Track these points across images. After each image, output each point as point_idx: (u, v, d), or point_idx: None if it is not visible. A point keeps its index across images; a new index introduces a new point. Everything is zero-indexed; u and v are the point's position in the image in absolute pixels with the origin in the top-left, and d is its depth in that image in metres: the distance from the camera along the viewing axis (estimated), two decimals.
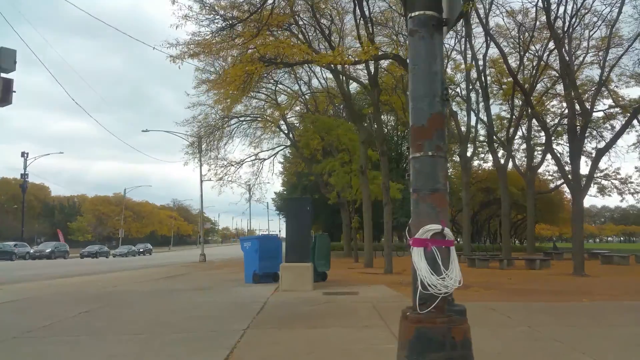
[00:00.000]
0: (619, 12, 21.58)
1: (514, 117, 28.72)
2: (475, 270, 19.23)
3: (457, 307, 3.40)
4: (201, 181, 35.64)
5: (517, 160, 34.98)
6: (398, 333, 3.47)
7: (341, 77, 23.08)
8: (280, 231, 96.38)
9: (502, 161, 27.64)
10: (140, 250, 57.41)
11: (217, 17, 18.01)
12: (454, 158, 37.38)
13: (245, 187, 38.43)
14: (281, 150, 38.62)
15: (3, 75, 12.78)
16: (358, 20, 18.05)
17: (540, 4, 21.05)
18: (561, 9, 21.13)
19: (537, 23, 23.15)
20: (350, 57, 12.80)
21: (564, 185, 37.97)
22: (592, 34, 25.56)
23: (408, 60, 3.73)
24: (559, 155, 36.23)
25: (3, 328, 6.67)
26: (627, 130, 29.34)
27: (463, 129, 29.49)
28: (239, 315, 7.68)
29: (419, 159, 3.50)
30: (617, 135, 20.12)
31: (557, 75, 27.15)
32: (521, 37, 25.07)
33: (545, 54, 26.21)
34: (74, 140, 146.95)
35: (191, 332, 6.29)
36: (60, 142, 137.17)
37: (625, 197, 35.63)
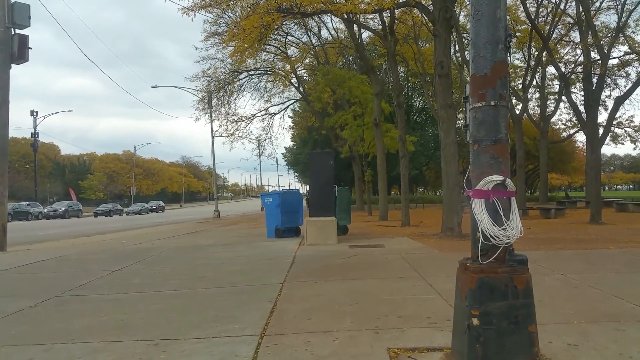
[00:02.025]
0: None
1: (530, 65, 28.01)
2: None
3: (518, 256, 3.39)
4: (212, 137, 35.60)
5: (529, 110, 34.45)
6: (456, 283, 3.49)
7: (354, 27, 22.47)
8: (289, 185, 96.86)
9: (517, 111, 27.20)
10: (153, 207, 58.03)
11: None
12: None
13: (255, 142, 38.46)
14: (291, 104, 38.30)
15: (18, 31, 12.60)
16: None
17: None
18: None
19: None
20: (369, 5, 12.37)
21: (576, 134, 37.76)
22: None
23: (470, 5, 3.56)
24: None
25: (43, 288, 6.80)
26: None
27: None
28: (271, 268, 7.79)
29: (481, 108, 3.40)
30: (637, 83, 19.62)
31: (573, 21, 26.30)
32: None
33: (561, 0, 25.25)
34: (79, 97, 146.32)
35: (231, 286, 6.40)
36: (65, 99, 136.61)
37: (638, 144, 35.25)
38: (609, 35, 25.64)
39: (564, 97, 30.40)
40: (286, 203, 13.02)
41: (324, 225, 10.75)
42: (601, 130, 18.83)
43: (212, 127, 34.68)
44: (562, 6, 25.41)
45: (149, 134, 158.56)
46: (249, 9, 15.91)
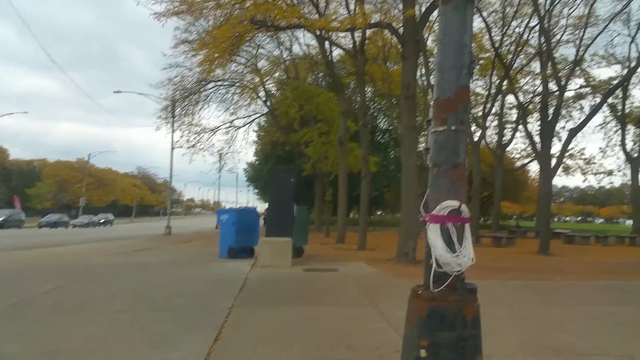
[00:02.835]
0: None
1: (491, 93, 28.82)
2: None
3: (468, 285, 3.28)
4: (172, 148, 34.53)
5: (487, 138, 35.41)
6: (407, 311, 3.34)
7: (326, 44, 22.49)
8: (248, 203, 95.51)
9: (476, 138, 27.86)
10: (101, 220, 55.72)
11: None
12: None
13: (217, 155, 37.67)
14: (257, 118, 37.85)
15: None
16: None
17: None
18: None
19: None
20: (342, 23, 12.39)
21: (530, 164, 39.04)
22: (571, 12, 25.76)
23: (438, 30, 3.49)
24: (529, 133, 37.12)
25: None
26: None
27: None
28: (220, 292, 7.45)
29: (443, 132, 3.30)
30: (590, 116, 20.51)
31: (535, 51, 27.33)
32: (504, 11, 25.01)
33: (525, 31, 26.26)
34: (37, 99, 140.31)
35: (175, 310, 6.04)
36: (22, 100, 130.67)
37: (587, 177, 36.72)
38: (567, 67, 26.80)
39: (520, 126, 31.50)
40: (242, 222, 12.64)
41: (280, 246, 10.47)
42: (554, 161, 19.44)
43: (172, 137, 33.62)
44: (525, 36, 26.41)
45: (106, 141, 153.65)
46: (222, 18, 15.67)
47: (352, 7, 17.62)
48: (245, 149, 64.96)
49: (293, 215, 11.05)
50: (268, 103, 33.48)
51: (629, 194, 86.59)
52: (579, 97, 31.02)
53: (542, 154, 18.22)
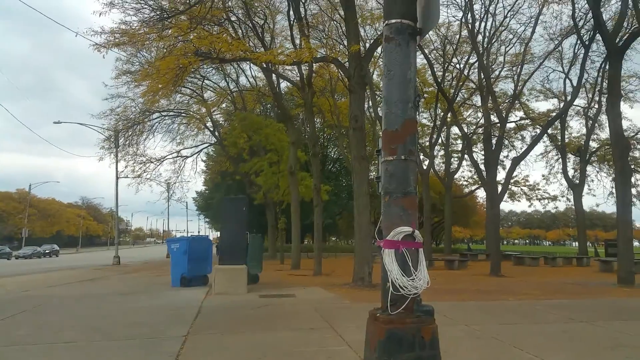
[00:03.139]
0: (533, 32, 23.51)
1: (436, 124, 29.98)
2: None
3: (425, 307, 3.47)
4: (117, 178, 33.67)
5: (435, 166, 36.60)
6: (366, 334, 3.48)
7: (273, 77, 22.88)
8: (199, 231, 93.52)
9: (425, 167, 28.76)
10: (47, 251, 53.20)
11: (146, 6, 17.29)
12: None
13: (164, 185, 37.09)
14: (205, 148, 37.67)
15: None
16: (292, 21, 18.07)
17: (464, 19, 22.39)
18: (482, 24, 22.59)
19: (460, 37, 24.45)
20: (288, 57, 12.69)
21: (477, 190, 40.56)
22: (508, 50, 27.42)
23: (382, 66, 3.76)
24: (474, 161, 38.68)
25: None
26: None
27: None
28: (175, 320, 7.34)
29: (392, 162, 3.53)
30: (531, 146, 21.72)
31: (475, 87, 28.81)
32: (445, 49, 26.31)
33: (465, 67, 27.66)
34: None
35: (129, 339, 5.92)
36: None
37: (533, 202, 38.43)
38: (507, 101, 28.36)
39: (466, 156, 32.79)
40: (194, 250, 12.48)
41: (234, 273, 10.41)
42: (500, 188, 20.33)
43: (117, 168, 32.76)
44: (465, 72, 27.78)
45: (47, 172, 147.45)
46: (164, 50, 15.72)
47: (297, 41, 18.11)
48: (194, 178, 64.15)
49: (246, 243, 11.06)
50: (216, 133, 33.41)
51: (573, 217, 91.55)
52: (520, 128, 32.83)
53: (488, 182, 19.05)
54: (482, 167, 36.78)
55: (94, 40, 16.85)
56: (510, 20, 24.71)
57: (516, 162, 20.96)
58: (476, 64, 25.55)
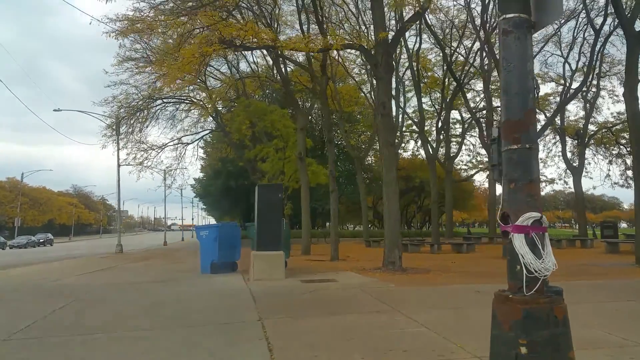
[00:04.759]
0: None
1: (443, 107, 30.14)
2: (413, 255, 20.07)
3: (554, 288, 3.65)
4: (118, 166, 33.45)
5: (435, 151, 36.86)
6: (498, 315, 3.65)
7: (281, 63, 22.81)
8: (193, 219, 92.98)
9: (431, 151, 28.98)
10: (41, 240, 52.72)
11: None
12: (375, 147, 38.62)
13: (164, 173, 36.97)
14: (206, 134, 37.54)
15: None
16: (301, 8, 17.98)
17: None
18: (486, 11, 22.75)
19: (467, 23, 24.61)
20: (315, 44, 12.70)
21: (477, 174, 41.06)
22: None
23: (501, 59, 3.88)
24: (472, 145, 39.14)
25: None
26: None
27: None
28: (235, 305, 7.49)
29: (517, 150, 3.67)
30: (544, 128, 21.92)
31: (477, 71, 28.98)
32: (451, 32, 26.44)
33: (470, 52, 27.81)
34: None
35: (205, 325, 6.05)
36: None
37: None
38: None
39: (467, 139, 33.17)
40: (224, 237, 12.59)
41: (272, 259, 10.55)
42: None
43: (118, 155, 32.58)
44: (474, 57, 27.89)
45: (36, 161, 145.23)
46: (184, 37, 15.60)
47: (305, 28, 18.12)
48: (193, 164, 63.38)
49: (282, 230, 11.18)
50: (218, 119, 33.27)
51: (563, 200, 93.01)
52: None
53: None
54: (482, 150, 37.48)
55: (109, 27, 16.75)
56: None
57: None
58: (477, 49, 25.87)
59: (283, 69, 23.80)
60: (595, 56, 25.14)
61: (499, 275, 11.56)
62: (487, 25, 22.86)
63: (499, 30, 3.95)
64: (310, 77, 22.76)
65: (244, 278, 11.04)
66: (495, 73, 31.12)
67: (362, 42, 13.78)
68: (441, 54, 26.10)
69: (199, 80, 30.52)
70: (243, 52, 22.01)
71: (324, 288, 9.13)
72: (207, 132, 36.97)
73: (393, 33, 15.45)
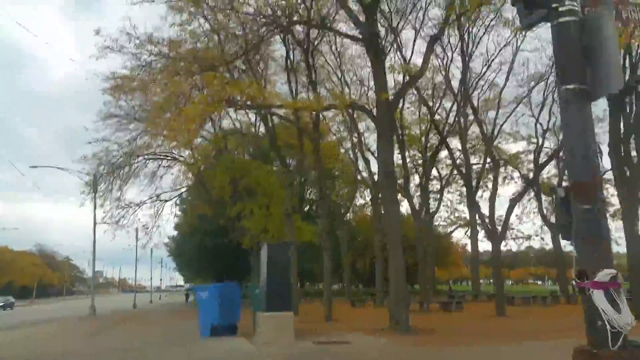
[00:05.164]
0: (506, 80, 25.22)
1: (425, 161, 30.81)
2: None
3: (633, 342, 3.76)
4: (94, 224, 32.51)
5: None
6: None
7: (269, 121, 23.16)
8: (161, 280, 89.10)
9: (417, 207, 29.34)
10: (1, 304, 49.66)
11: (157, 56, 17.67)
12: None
13: (139, 231, 36.10)
14: (185, 191, 37.08)
15: None
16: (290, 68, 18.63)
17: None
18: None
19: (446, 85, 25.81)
20: (320, 104, 13.07)
21: (456, 230, 41.48)
22: (481, 96, 28.77)
23: (562, 124, 4.17)
24: (449, 202, 39.81)
25: None
26: (507, 181, 33.92)
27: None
28: None
29: (589, 210, 3.87)
30: (527, 187, 22.58)
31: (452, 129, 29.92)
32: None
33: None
34: None
35: None
36: None
37: (508, 242, 39.48)
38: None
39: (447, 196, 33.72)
40: (224, 298, 12.25)
41: (282, 321, 10.27)
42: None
43: (94, 214, 31.71)
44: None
45: None
46: (182, 96, 15.86)
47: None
48: (169, 222, 61.07)
49: (291, 290, 11.01)
50: (199, 176, 33.07)
51: (533, 256, 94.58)
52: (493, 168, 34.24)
53: (490, 221, 19.61)
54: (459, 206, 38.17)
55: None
56: (486, 70, 26.46)
57: (514, 202, 21.88)
58: (454, 109, 27.00)
59: (272, 127, 24.10)
60: None
61: (517, 335, 11.28)
62: (463, 87, 24.00)
63: (560, 99, 4.29)
64: (298, 134, 23.07)
65: (250, 341, 10.69)
66: (470, 131, 32.53)
67: (346, 102, 14.12)
68: (421, 111, 27.04)
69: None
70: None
71: (346, 352, 8.92)
72: (186, 189, 36.59)
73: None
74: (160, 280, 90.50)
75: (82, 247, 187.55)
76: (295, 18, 16.28)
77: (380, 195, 13.50)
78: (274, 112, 20.52)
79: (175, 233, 48.26)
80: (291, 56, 21.40)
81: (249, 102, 13.17)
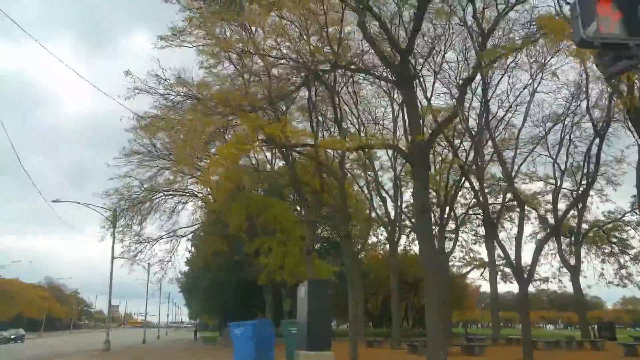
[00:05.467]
0: (524, 121, 25.59)
1: (440, 203, 30.85)
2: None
3: None
4: (112, 258, 32.74)
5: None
6: None
7: (290, 159, 23.43)
8: (168, 315, 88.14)
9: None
10: (12, 336, 49.44)
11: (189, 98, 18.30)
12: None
13: (151, 266, 36.26)
14: (199, 226, 37.33)
15: None
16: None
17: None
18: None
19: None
20: (353, 143, 13.37)
21: (472, 271, 41.03)
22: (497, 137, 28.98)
23: None
24: (464, 242, 39.60)
25: None
26: (525, 221, 33.73)
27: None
28: None
29: None
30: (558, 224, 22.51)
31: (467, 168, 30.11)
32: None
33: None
34: None
35: None
36: None
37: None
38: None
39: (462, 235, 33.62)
40: (260, 336, 12.20)
41: None
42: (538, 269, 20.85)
43: (113, 248, 32.02)
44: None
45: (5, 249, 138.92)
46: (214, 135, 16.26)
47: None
48: (183, 258, 60.83)
49: (331, 328, 10.96)
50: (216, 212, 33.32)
51: (545, 299, 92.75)
52: (509, 209, 34.17)
53: (517, 263, 19.41)
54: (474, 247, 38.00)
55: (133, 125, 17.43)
56: (505, 113, 26.92)
57: (541, 243, 21.77)
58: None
59: (293, 166, 24.36)
60: (584, 158, 26.79)
61: None
62: (484, 127, 24.31)
63: None
64: (318, 172, 23.25)
65: None
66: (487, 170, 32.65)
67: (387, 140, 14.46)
68: (442, 151, 27.35)
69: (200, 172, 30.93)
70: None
71: None
72: (200, 225, 36.82)
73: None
74: (167, 316, 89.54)
75: (90, 279, 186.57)
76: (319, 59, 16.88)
77: (415, 233, 13.48)
78: (299, 150, 20.90)
79: (186, 269, 48.21)
80: (313, 96, 21.98)
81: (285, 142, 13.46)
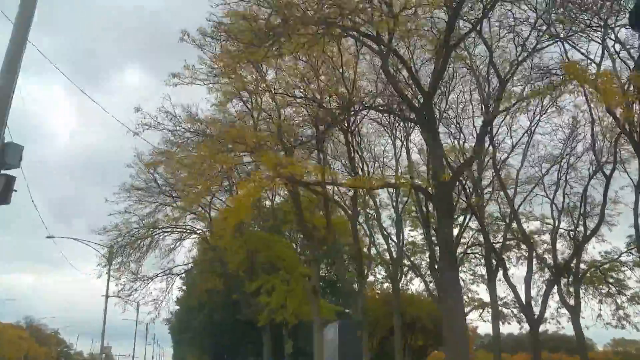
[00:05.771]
0: (522, 162, 26.04)
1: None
2: None
3: None
4: (106, 297, 32.10)
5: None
6: None
7: (300, 196, 23.40)
8: (153, 357, 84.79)
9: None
10: None
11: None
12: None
13: (152, 304, 35.38)
14: (194, 264, 36.76)
15: (4, 171, 11.38)
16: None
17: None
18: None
19: None
20: (378, 182, 13.50)
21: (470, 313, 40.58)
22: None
23: None
24: (462, 281, 39.37)
25: None
26: (521, 261, 33.88)
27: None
28: None
29: None
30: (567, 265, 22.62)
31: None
32: None
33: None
34: None
35: None
36: None
37: (523, 324, 38.42)
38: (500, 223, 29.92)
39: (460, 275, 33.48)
40: None
41: None
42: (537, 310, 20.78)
43: (107, 286, 31.48)
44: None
45: None
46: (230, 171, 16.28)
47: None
48: (172, 297, 58.36)
49: None
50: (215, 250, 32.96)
51: (539, 339, 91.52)
52: (507, 248, 34.25)
53: (527, 304, 19.42)
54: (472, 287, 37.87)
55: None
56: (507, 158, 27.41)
57: (552, 283, 21.79)
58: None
59: (300, 203, 24.32)
60: (581, 198, 27.22)
61: None
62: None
63: None
64: (325, 210, 23.15)
65: None
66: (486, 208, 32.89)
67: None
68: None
69: (205, 211, 30.71)
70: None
71: None
72: (192, 262, 36.30)
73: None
74: (152, 357, 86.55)
75: (72, 318, 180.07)
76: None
77: (439, 276, 13.49)
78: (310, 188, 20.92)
79: (177, 308, 47.08)
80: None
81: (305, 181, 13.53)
